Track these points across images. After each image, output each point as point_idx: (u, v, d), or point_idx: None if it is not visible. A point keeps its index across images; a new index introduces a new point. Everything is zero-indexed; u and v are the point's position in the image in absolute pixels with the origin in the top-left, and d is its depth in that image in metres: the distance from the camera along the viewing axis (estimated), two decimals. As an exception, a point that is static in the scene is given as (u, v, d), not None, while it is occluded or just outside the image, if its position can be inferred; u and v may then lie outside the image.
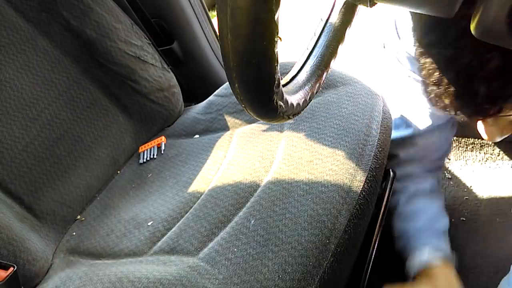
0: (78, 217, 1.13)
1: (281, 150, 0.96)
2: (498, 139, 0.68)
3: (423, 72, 0.63)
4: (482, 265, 1.11)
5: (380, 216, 1.02)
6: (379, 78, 1.14)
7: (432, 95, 0.63)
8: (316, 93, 0.58)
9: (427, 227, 1.05)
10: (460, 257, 1.00)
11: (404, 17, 0.90)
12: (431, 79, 0.61)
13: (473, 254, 1.14)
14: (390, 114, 1.01)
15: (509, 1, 0.35)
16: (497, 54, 0.52)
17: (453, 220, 1.23)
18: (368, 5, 0.48)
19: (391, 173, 1.05)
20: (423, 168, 1.12)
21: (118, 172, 1.23)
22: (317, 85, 0.57)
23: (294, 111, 0.51)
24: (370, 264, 0.98)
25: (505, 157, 1.34)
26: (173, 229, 0.93)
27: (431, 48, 0.58)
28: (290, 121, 0.53)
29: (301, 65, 0.57)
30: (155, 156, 1.21)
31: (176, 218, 0.96)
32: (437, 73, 0.59)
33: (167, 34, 1.43)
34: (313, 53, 0.58)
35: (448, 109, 0.63)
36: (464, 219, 1.23)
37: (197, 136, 1.22)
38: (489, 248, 1.14)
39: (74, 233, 1.08)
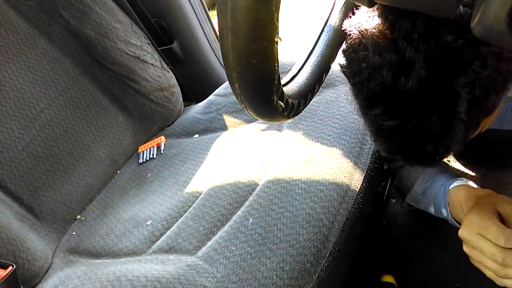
0: (78, 216, 1.13)
1: (280, 149, 0.96)
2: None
3: (370, 136, 0.67)
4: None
5: (379, 215, 1.02)
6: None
7: (381, 148, 0.67)
8: (316, 92, 0.58)
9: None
10: (460, 257, 1.00)
11: None
12: (379, 140, 0.65)
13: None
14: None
15: (509, 1, 0.35)
16: (437, 119, 0.58)
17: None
18: (368, 4, 0.48)
19: (390, 172, 1.06)
20: None
21: (118, 172, 1.23)
22: (317, 84, 0.58)
23: (294, 111, 0.51)
24: (368, 263, 0.99)
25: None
26: (172, 228, 0.93)
27: (376, 119, 0.62)
28: (289, 120, 0.53)
29: (301, 65, 0.57)
30: (154, 156, 1.22)
31: (175, 217, 0.96)
32: (385, 137, 0.63)
33: (167, 33, 1.44)
34: (313, 53, 0.58)
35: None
36: (463, 218, 1.23)
37: (196, 135, 1.22)
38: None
39: (74, 233, 1.08)
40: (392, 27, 0.56)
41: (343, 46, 0.62)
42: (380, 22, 0.57)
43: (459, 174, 0.85)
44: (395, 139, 0.62)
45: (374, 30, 0.57)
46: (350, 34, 0.60)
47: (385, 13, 0.57)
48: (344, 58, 0.63)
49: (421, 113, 0.58)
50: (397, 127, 0.60)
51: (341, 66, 0.64)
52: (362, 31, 0.59)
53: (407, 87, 0.56)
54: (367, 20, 0.58)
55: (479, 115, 0.60)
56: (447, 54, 0.55)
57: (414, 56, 0.55)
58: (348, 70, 0.63)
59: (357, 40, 0.59)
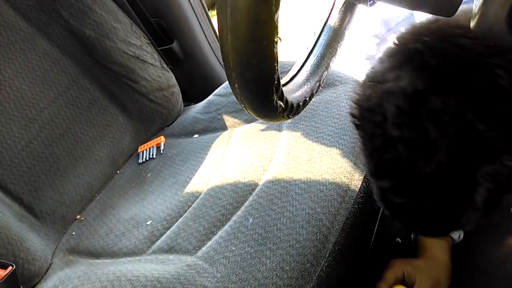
0: (78, 216, 1.13)
1: (280, 149, 0.96)
2: None
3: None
4: (482, 264, 1.11)
5: (379, 215, 1.02)
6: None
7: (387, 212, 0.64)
8: (316, 92, 0.58)
9: None
10: (460, 256, 1.00)
11: None
12: (384, 206, 0.62)
13: (473, 254, 1.14)
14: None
15: (509, 1, 0.35)
16: (450, 205, 0.53)
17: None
18: (368, 4, 0.48)
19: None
20: None
21: (118, 171, 1.23)
22: (317, 84, 0.58)
23: (293, 111, 0.51)
24: (368, 263, 0.99)
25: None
26: (171, 228, 0.93)
27: (383, 192, 0.59)
28: (289, 120, 0.52)
29: (301, 64, 0.57)
30: (154, 156, 1.22)
31: (175, 217, 0.96)
32: (391, 207, 0.61)
33: (167, 33, 1.44)
34: (313, 53, 0.58)
35: None
36: (463, 218, 1.23)
37: (196, 135, 1.22)
38: (489, 247, 1.14)
39: (74, 233, 1.08)
40: (421, 100, 0.49)
41: (357, 92, 0.56)
42: (407, 89, 0.50)
43: None
44: (401, 213, 0.58)
45: (398, 97, 0.50)
46: (369, 84, 0.54)
47: (415, 76, 0.50)
48: (357, 109, 0.56)
49: (434, 197, 0.53)
50: (404, 205, 0.55)
51: (353, 116, 0.58)
52: (385, 91, 0.52)
53: (423, 171, 0.50)
54: (394, 77, 0.51)
55: (496, 204, 0.54)
56: (476, 143, 0.48)
57: (439, 140, 0.49)
58: (360, 129, 0.57)
59: (376, 99, 0.53)
